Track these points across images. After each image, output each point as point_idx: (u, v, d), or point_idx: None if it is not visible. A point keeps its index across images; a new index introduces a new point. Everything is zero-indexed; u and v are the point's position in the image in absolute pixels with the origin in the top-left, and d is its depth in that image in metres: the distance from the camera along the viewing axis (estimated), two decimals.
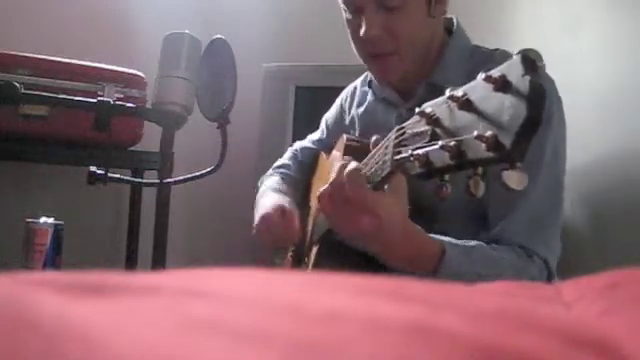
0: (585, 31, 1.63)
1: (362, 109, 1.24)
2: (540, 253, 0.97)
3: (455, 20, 1.14)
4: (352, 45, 1.10)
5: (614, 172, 1.49)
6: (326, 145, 1.32)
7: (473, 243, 0.95)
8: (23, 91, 1.02)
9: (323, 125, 1.40)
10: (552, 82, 1.02)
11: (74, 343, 0.21)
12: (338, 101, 1.37)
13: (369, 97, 1.23)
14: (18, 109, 1.66)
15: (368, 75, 1.26)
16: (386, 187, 0.78)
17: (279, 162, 1.43)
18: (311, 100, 1.91)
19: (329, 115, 1.39)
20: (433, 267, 0.89)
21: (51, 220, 1.15)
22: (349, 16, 1.08)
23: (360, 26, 1.04)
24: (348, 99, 1.32)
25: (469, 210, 1.01)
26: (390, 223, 0.80)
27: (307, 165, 1.38)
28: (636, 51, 1.47)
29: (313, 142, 1.41)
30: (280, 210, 1.17)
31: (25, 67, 1.69)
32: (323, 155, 1.31)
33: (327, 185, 0.82)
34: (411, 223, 0.86)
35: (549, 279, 0.98)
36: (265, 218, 1.17)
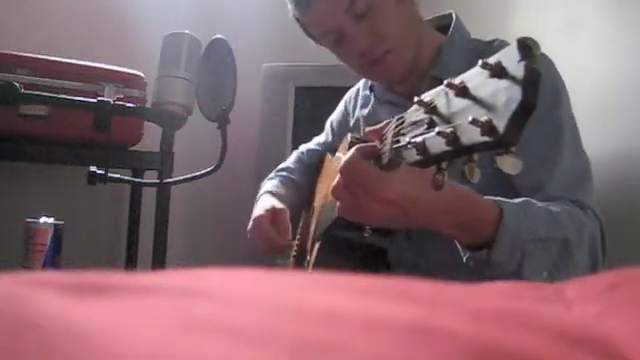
0: (585, 31, 1.63)
1: (366, 111, 1.24)
2: (590, 204, 0.95)
3: (454, 15, 1.15)
4: (349, 67, 1.11)
5: (614, 172, 1.49)
6: (331, 147, 1.32)
7: (530, 201, 0.89)
8: (23, 91, 1.02)
9: (328, 128, 1.40)
10: (552, 63, 1.03)
11: (74, 343, 0.21)
12: (342, 103, 1.36)
13: (372, 101, 1.23)
14: (18, 109, 1.66)
15: None
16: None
17: (282, 165, 1.42)
18: (311, 100, 1.91)
19: (334, 117, 1.38)
20: (491, 231, 0.82)
21: (51, 220, 1.14)
22: (333, 45, 1.09)
23: (348, 46, 1.06)
24: (352, 101, 1.32)
25: (501, 192, 0.94)
26: (406, 200, 0.74)
27: (313, 167, 1.38)
28: (636, 51, 1.47)
29: (319, 144, 1.41)
30: (272, 212, 1.17)
31: (25, 67, 1.69)
32: (328, 156, 1.31)
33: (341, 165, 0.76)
34: (451, 187, 0.77)
35: (602, 231, 0.95)
36: (256, 222, 1.17)
